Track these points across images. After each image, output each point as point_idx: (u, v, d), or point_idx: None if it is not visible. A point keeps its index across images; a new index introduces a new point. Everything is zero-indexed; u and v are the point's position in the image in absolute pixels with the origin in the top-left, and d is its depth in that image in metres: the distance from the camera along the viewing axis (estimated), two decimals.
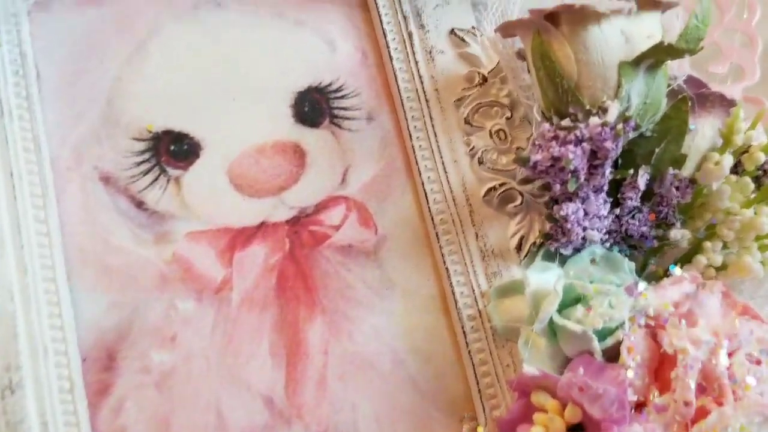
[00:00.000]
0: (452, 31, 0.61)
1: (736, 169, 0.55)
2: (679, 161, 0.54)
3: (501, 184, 0.57)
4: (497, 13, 0.58)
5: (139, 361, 0.54)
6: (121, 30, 0.60)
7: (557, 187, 0.51)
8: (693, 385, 0.46)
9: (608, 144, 0.49)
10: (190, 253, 0.56)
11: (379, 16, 0.61)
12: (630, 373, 0.47)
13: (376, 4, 0.62)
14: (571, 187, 0.50)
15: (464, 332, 0.55)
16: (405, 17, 0.61)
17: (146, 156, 0.58)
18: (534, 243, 0.56)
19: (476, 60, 0.60)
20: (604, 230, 0.53)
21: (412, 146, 0.59)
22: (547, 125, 0.50)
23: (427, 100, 0.59)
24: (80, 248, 0.55)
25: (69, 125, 0.58)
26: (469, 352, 0.54)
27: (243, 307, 0.56)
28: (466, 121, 0.59)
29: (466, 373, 0.55)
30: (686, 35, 0.51)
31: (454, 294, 0.55)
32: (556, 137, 0.50)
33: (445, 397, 0.54)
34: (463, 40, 0.61)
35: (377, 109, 0.61)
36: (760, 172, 0.55)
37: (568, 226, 0.51)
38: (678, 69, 0.56)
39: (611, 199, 0.53)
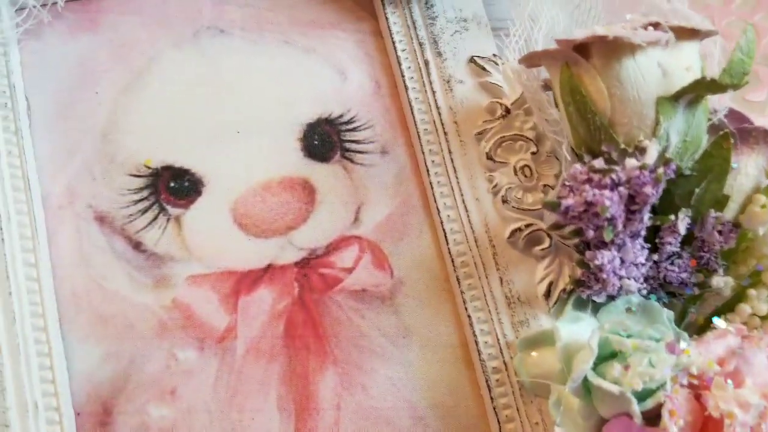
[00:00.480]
0: (472, 59, 0.59)
1: None
2: (721, 203, 0.51)
3: (527, 225, 0.54)
4: (520, 40, 0.55)
5: (136, 417, 0.52)
6: (117, 58, 0.59)
7: (590, 233, 0.48)
8: None
9: (648, 189, 0.45)
10: (191, 299, 0.54)
11: (393, 43, 0.60)
12: None
13: (390, 30, 0.60)
14: (608, 236, 0.46)
15: (489, 386, 0.52)
16: (421, 44, 0.59)
17: (144, 194, 0.56)
18: (564, 289, 0.53)
19: (498, 90, 0.58)
20: (642, 278, 0.49)
21: (430, 182, 0.57)
22: (578, 166, 0.47)
23: (445, 133, 0.57)
24: (73, 294, 0.53)
25: (61, 161, 0.56)
26: (495, 408, 0.52)
27: (248, 357, 0.53)
28: (488, 156, 0.56)
29: (491, 431, 0.52)
30: (731, 69, 0.49)
31: (477, 344, 0.53)
32: (589, 180, 0.46)
33: None
34: (483, 68, 0.58)
35: (392, 143, 0.59)
36: None
37: (604, 276, 0.48)
38: (718, 101, 0.53)
39: (649, 245, 0.49)
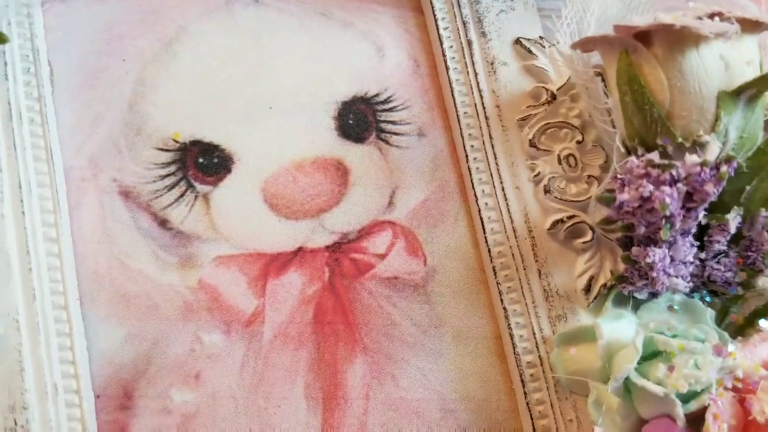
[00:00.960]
0: (517, 41, 0.57)
1: None
2: None
3: (569, 217, 0.53)
4: (571, 23, 0.52)
5: (158, 401, 0.51)
6: (146, 26, 0.57)
7: (642, 229, 0.46)
8: None
9: (709, 187, 0.44)
10: (218, 280, 0.53)
11: (435, 20, 0.58)
12: None
13: (432, 7, 0.58)
14: (665, 235, 0.45)
15: (522, 381, 0.52)
16: (464, 23, 0.58)
17: (172, 169, 0.55)
18: (604, 284, 0.52)
19: (543, 74, 0.56)
20: (689, 277, 0.48)
21: (468, 168, 0.55)
22: (635, 160, 0.45)
23: (486, 117, 0.56)
24: (95, 271, 0.52)
25: (85, 131, 0.55)
26: (528, 403, 0.51)
27: (276, 343, 0.52)
28: (531, 144, 0.55)
29: (523, 427, 0.52)
30: None
31: (512, 337, 0.52)
32: (647, 175, 0.45)
33: None
34: (529, 51, 0.57)
35: (429, 125, 0.57)
36: None
37: (654, 274, 0.46)
38: None
39: (698, 243, 0.48)
